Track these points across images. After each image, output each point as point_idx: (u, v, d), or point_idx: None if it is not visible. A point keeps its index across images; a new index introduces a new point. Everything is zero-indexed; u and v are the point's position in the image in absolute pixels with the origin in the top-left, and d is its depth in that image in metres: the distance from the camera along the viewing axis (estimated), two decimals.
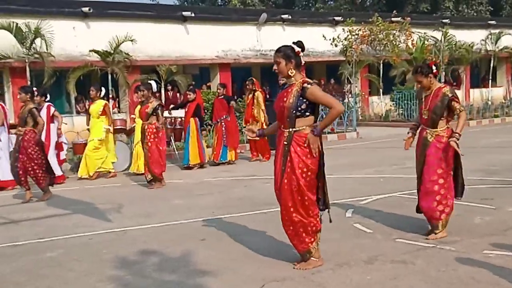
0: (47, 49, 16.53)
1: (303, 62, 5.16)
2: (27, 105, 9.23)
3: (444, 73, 22.41)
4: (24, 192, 9.39)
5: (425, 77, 6.00)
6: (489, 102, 24.65)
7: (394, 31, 22.06)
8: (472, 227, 6.34)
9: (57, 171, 11.16)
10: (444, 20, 26.90)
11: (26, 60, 16.41)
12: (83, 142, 12.05)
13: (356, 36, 21.68)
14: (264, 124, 12.62)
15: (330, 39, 21.68)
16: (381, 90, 23.51)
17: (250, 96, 13.09)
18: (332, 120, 5.11)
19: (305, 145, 4.98)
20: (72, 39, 18.05)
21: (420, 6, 36.01)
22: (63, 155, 11.71)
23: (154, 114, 9.88)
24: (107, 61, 17.69)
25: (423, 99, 6.07)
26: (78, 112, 18.84)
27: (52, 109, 11.29)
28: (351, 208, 7.46)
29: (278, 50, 5.14)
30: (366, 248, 5.68)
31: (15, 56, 16.53)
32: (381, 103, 23.51)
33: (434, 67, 6.02)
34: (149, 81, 10.55)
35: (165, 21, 20.18)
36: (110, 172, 11.58)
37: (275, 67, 5.14)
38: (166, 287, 4.83)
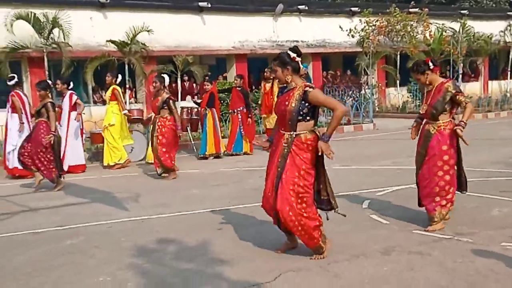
0: (64, 39, 16.61)
1: (301, 68, 5.23)
2: (45, 99, 9.31)
3: (462, 64, 22.21)
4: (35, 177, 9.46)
5: (421, 75, 6.02)
6: (508, 94, 24.37)
7: (412, 22, 21.91)
8: (490, 219, 6.31)
9: (81, 160, 11.30)
10: (462, 11, 26.59)
11: (44, 50, 16.51)
12: (101, 131, 12.15)
13: (373, 27, 21.58)
14: None
15: (347, 30, 21.58)
16: (398, 82, 23.35)
17: (269, 85, 13.08)
18: (338, 122, 5.11)
19: (309, 149, 5.03)
20: (90, 29, 18.13)
21: None
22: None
23: (165, 107, 9.88)
24: (124, 52, 17.76)
25: (425, 94, 6.11)
26: (95, 102, 18.95)
27: (75, 97, 11.41)
28: (368, 199, 7.46)
29: (274, 59, 5.26)
30: (382, 239, 5.69)
31: (33, 46, 16.63)
32: (398, 95, 23.36)
33: (431, 63, 6.02)
34: (162, 75, 10.54)
35: (182, 12, 20.18)
36: (126, 161, 11.67)
37: (273, 74, 5.26)
38: (184, 275, 4.88)
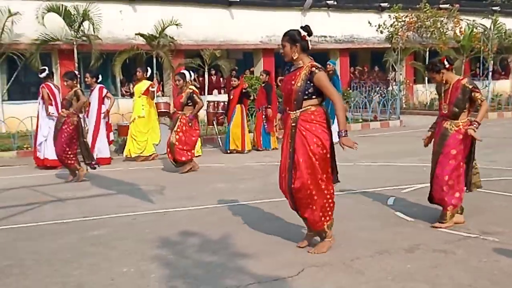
0: (94, 32, 16.81)
1: (310, 47, 5.19)
2: (73, 89, 9.43)
3: (492, 62, 21.85)
4: (69, 172, 9.60)
5: (437, 74, 5.97)
6: None
7: (442, 18, 21.64)
8: None
9: (106, 153, 11.42)
10: (494, 8, 26.15)
11: (74, 43, 16.74)
12: (128, 124, 12.25)
13: (402, 23, 21.36)
14: None
15: (375, 26, 21.40)
16: (426, 78, 23.10)
17: None
18: (344, 114, 5.18)
19: (317, 119, 5.06)
20: (119, 23, 18.30)
21: None
22: (112, 136, 11.96)
23: (189, 103, 9.90)
24: (152, 45, 17.89)
25: (443, 93, 6.03)
26: (123, 95, 19.13)
27: (104, 90, 11.52)
28: (393, 196, 7.42)
29: (284, 34, 5.20)
30: (407, 236, 5.65)
31: (63, 39, 16.87)
32: (426, 92, 23.12)
33: (446, 62, 5.96)
34: (183, 71, 10.55)
35: (210, 6, 20.24)
36: (151, 155, 11.76)
37: (281, 50, 5.23)
38: (207, 268, 4.90)
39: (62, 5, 16.35)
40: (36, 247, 5.72)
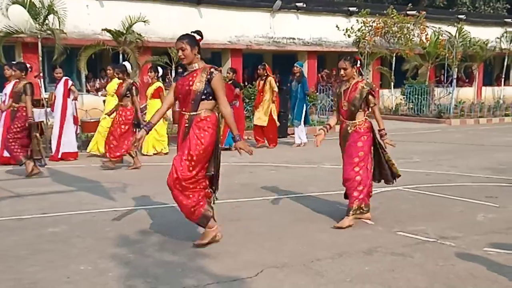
0: (59, 26, 16.52)
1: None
2: (21, 81, 9.20)
3: (456, 69, 22.27)
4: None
5: (351, 67, 6.24)
6: (501, 101, 24.48)
7: (409, 25, 21.93)
8: (474, 224, 6.34)
9: (74, 147, 11.25)
10: (460, 16, 26.65)
11: (39, 36, 16.41)
12: (92, 120, 12.09)
13: (370, 28, 21.58)
14: (274, 109, 12.84)
15: (343, 30, 21.58)
16: (392, 84, 23.41)
17: (262, 82, 13.07)
18: (233, 120, 5.45)
19: (208, 126, 5.23)
20: (85, 17, 18.04)
21: (436, 1, 35.70)
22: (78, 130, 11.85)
23: (128, 95, 9.88)
24: (119, 41, 17.66)
25: (342, 92, 6.31)
26: (88, 91, 18.87)
27: (70, 82, 11.32)
28: None
29: (182, 37, 5.33)
30: (366, 239, 5.71)
31: (27, 32, 16.53)
32: (391, 96, 23.42)
33: (358, 62, 6.35)
34: (123, 63, 10.42)
35: (179, 3, 20.12)
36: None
37: (180, 53, 5.29)
38: (166, 268, 4.87)
39: None
40: None
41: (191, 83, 5.22)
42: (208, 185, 5.48)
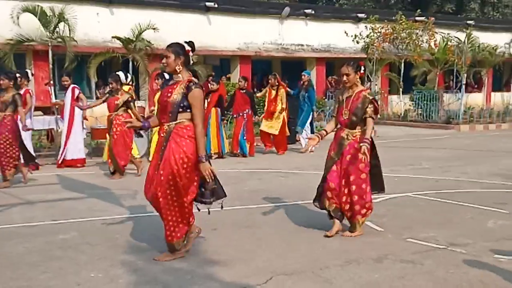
0: (70, 34, 16.65)
1: (191, 62, 5.30)
2: (9, 92, 9.12)
3: (465, 75, 22.22)
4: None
5: (354, 72, 5.99)
6: (510, 106, 24.38)
7: (417, 31, 21.93)
8: (484, 231, 6.31)
9: (81, 154, 11.30)
10: (468, 22, 26.60)
11: (49, 44, 16.55)
12: (102, 127, 12.14)
13: (378, 34, 21.59)
14: (284, 118, 12.88)
15: (352, 36, 21.59)
16: (401, 90, 23.38)
17: (274, 92, 13.11)
18: (203, 140, 5.12)
19: (188, 135, 5.05)
20: (95, 25, 18.19)
21: (445, 7, 35.68)
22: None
23: (125, 106, 9.87)
24: (128, 48, 17.79)
25: (344, 100, 6.06)
26: (98, 98, 18.96)
27: (77, 91, 11.37)
28: None
29: (170, 45, 5.24)
30: (376, 246, 5.69)
31: (38, 39, 16.68)
32: (400, 103, 23.39)
33: (362, 68, 6.07)
34: (117, 73, 10.39)
35: (188, 11, 20.23)
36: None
37: (164, 60, 5.21)
38: (176, 275, 4.88)
39: (38, 5, 16.18)
40: (2, 249, 5.63)
41: (169, 94, 5.11)
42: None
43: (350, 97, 6.03)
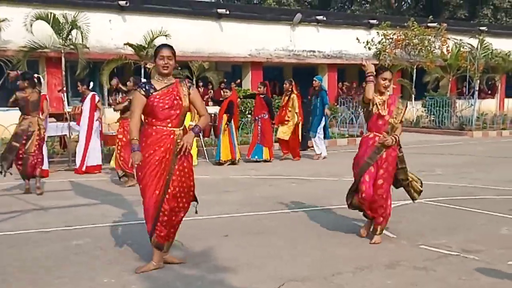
0: (82, 41, 16.79)
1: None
2: (33, 92, 9.07)
3: (478, 81, 22.12)
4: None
5: (391, 76, 6.11)
6: None
7: (430, 37, 21.86)
8: (498, 237, 6.27)
9: (98, 160, 11.36)
10: (481, 28, 26.51)
11: (62, 51, 16.69)
12: (114, 134, 12.20)
13: (390, 40, 21.56)
14: (299, 124, 12.96)
15: (364, 42, 21.59)
16: (413, 96, 23.30)
17: (286, 98, 13.15)
18: (206, 125, 5.26)
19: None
20: (108, 32, 18.33)
21: (457, 13, 35.58)
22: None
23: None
24: (140, 55, 17.90)
25: (378, 104, 6.02)
26: (110, 105, 19.05)
27: (97, 98, 11.49)
28: None
29: (169, 46, 5.21)
30: (388, 252, 5.68)
31: (51, 46, 16.84)
32: (412, 109, 23.29)
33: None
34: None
35: (200, 18, 20.33)
36: None
37: (166, 61, 5.08)
38: (187, 281, 4.89)
39: (51, 13, 16.34)
40: (19, 255, 5.68)
41: (178, 97, 5.03)
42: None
43: (384, 102, 6.05)
